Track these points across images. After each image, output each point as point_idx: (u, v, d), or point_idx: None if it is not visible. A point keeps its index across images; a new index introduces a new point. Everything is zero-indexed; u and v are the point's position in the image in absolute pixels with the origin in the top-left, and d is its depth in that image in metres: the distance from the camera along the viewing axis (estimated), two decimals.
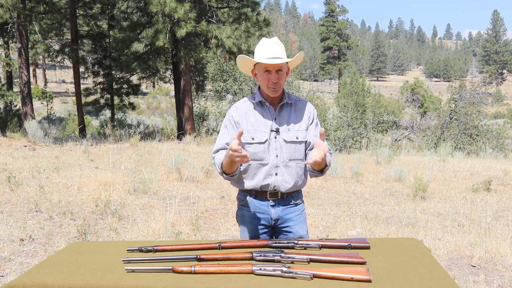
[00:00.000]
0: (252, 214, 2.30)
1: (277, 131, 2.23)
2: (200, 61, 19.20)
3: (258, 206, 2.29)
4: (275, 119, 2.24)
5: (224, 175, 2.20)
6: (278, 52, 2.16)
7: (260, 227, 2.30)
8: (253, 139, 2.21)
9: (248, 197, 2.31)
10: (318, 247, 1.96)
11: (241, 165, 2.23)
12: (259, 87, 2.30)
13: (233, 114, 2.27)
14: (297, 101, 2.32)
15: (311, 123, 2.30)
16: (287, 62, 2.21)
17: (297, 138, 2.24)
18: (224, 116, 2.47)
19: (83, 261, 1.86)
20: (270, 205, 2.28)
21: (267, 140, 2.21)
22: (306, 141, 2.28)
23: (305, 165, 2.27)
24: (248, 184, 2.26)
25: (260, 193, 2.27)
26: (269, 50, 2.16)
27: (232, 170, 2.16)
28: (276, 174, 2.22)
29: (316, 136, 2.28)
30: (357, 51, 74.14)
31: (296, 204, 2.33)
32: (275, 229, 2.34)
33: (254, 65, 2.24)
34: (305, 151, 2.31)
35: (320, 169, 2.17)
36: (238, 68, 2.37)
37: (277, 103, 2.26)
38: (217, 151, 2.26)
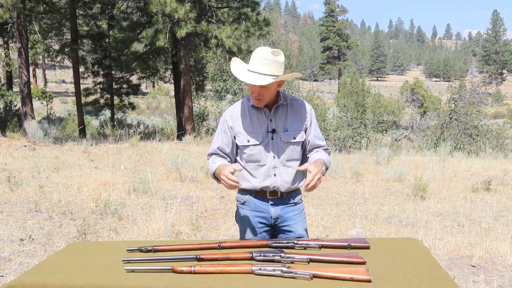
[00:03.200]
0: (252, 213, 2.31)
1: (274, 132, 2.22)
2: (200, 61, 19.19)
3: (258, 205, 2.29)
4: (270, 120, 2.23)
5: (216, 179, 2.26)
6: (264, 69, 2.06)
7: (260, 226, 2.31)
8: (248, 141, 2.22)
9: (248, 196, 2.31)
10: (318, 247, 1.96)
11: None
12: None
13: (227, 119, 2.28)
14: (293, 101, 2.29)
15: (310, 124, 2.29)
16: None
17: (294, 138, 2.24)
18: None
19: (83, 261, 1.86)
20: (270, 204, 2.29)
21: (262, 141, 2.21)
22: (303, 141, 2.29)
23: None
24: (247, 185, 2.26)
25: (260, 193, 2.29)
26: (255, 64, 2.09)
27: None
28: (274, 175, 2.23)
29: (316, 137, 2.30)
30: (357, 51, 74.20)
31: (296, 203, 2.34)
32: (275, 228, 2.35)
33: None
34: (305, 151, 2.34)
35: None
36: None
37: (272, 104, 2.24)
38: (211, 154, 2.32)
